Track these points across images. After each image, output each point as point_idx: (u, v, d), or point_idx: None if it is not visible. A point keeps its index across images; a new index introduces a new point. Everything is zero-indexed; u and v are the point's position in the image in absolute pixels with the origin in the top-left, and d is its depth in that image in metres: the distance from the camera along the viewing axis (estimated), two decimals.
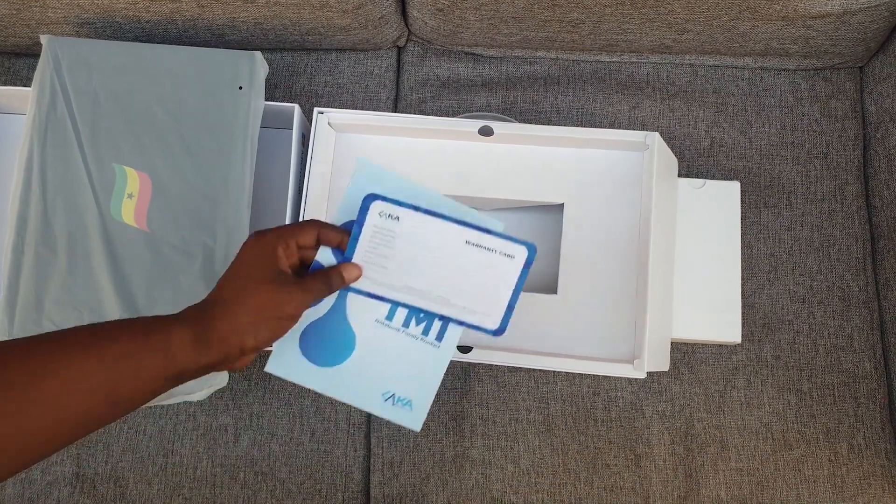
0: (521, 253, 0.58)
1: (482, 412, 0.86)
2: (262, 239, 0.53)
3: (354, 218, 0.58)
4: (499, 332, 0.59)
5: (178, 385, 0.49)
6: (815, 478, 0.83)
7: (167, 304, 0.74)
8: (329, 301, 0.59)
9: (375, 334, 0.59)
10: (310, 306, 0.54)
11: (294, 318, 0.52)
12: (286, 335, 0.53)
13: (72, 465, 0.86)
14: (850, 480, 0.83)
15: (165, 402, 0.79)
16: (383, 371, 0.59)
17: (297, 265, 0.56)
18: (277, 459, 0.86)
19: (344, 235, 0.58)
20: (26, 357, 0.43)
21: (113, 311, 0.74)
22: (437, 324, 0.59)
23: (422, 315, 0.59)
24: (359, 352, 0.59)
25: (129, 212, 0.76)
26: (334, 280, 0.56)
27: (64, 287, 0.74)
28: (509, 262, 0.58)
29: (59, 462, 0.86)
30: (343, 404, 0.87)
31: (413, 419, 0.59)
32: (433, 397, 0.60)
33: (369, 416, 0.88)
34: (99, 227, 0.75)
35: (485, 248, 0.58)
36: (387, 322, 0.59)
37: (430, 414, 0.86)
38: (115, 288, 0.74)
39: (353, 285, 0.58)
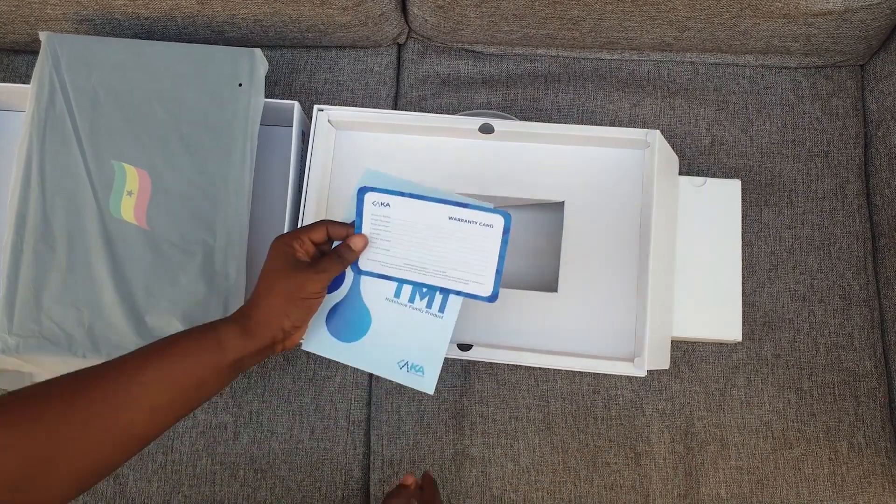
0: (499, 221, 0.64)
1: (482, 410, 0.86)
2: (280, 239, 0.62)
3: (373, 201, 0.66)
4: (492, 298, 0.66)
5: (241, 372, 0.59)
6: (816, 476, 0.83)
7: (167, 301, 0.74)
8: (347, 284, 0.67)
9: (387, 310, 0.67)
10: (328, 281, 0.62)
11: (319, 296, 0.62)
12: (316, 315, 0.64)
13: None
14: (851, 479, 0.83)
15: None
16: (397, 342, 0.67)
17: (314, 255, 0.64)
18: (277, 457, 0.86)
19: (349, 228, 0.66)
20: (110, 371, 0.54)
21: (112, 309, 0.74)
22: (438, 297, 0.66)
23: (424, 290, 0.67)
24: (374, 327, 0.67)
25: (128, 209, 0.76)
26: (345, 253, 0.64)
27: (63, 285, 0.74)
28: (489, 231, 0.64)
29: None
30: (342, 401, 0.87)
31: (426, 383, 0.66)
32: (441, 363, 0.66)
33: (369, 414, 0.88)
34: (98, 225, 0.75)
35: (465, 220, 0.64)
36: (395, 299, 0.67)
37: (430, 412, 0.86)
38: (114, 286, 0.74)
39: (361, 268, 0.67)
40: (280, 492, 0.85)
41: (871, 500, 0.83)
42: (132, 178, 0.76)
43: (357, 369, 0.88)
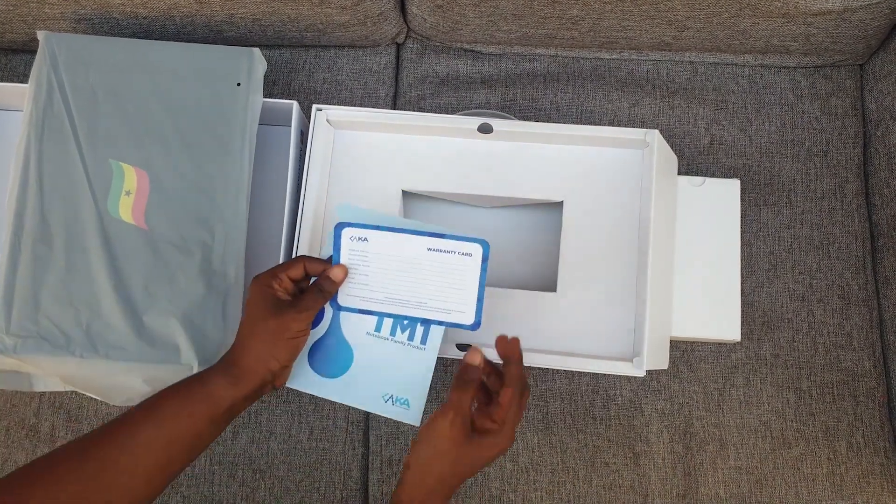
0: (477, 250, 0.63)
1: None
2: (258, 280, 0.62)
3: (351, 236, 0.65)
4: (475, 326, 0.65)
5: (235, 416, 0.60)
6: (814, 476, 0.83)
7: (166, 301, 0.74)
8: (327, 320, 0.67)
9: (369, 345, 0.67)
10: (312, 318, 0.62)
11: (303, 334, 0.61)
12: (302, 352, 0.64)
13: None
14: (849, 479, 0.83)
15: None
16: (380, 376, 0.67)
17: (293, 292, 0.63)
18: (276, 457, 0.86)
19: (326, 264, 0.65)
20: (103, 440, 0.55)
21: (110, 309, 0.73)
22: (419, 328, 0.67)
23: (405, 322, 0.67)
24: (357, 362, 0.67)
25: (126, 209, 0.76)
26: (325, 286, 0.64)
27: (61, 284, 0.74)
28: (468, 260, 0.64)
29: None
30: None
31: (411, 416, 0.67)
32: (426, 394, 0.66)
33: (367, 414, 0.88)
34: (96, 225, 0.75)
35: (444, 251, 0.64)
36: (376, 333, 0.67)
37: (429, 412, 0.86)
38: (112, 286, 0.74)
39: (341, 304, 0.66)
40: (279, 492, 0.85)
41: (870, 499, 0.83)
42: (130, 178, 0.76)
43: None
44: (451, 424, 0.57)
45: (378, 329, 0.67)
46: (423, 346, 0.66)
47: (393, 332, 0.67)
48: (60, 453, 0.54)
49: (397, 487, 0.60)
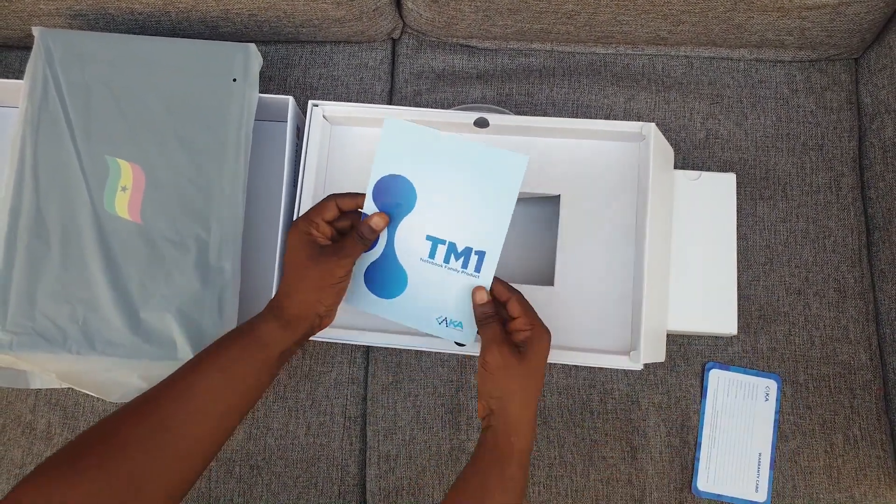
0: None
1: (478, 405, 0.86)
2: (296, 227, 0.64)
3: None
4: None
5: (286, 361, 0.63)
6: (811, 469, 0.83)
7: (161, 297, 0.74)
8: (381, 245, 0.68)
9: (423, 270, 0.68)
10: (353, 264, 0.64)
11: (346, 279, 0.64)
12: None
13: None
14: (846, 471, 0.83)
15: None
16: (434, 300, 0.68)
17: (333, 235, 0.66)
18: (273, 453, 0.85)
19: (358, 198, 0.66)
20: (169, 389, 0.57)
21: (106, 304, 0.73)
22: (473, 257, 0.66)
23: (460, 251, 0.66)
24: (411, 285, 0.68)
25: (122, 205, 0.76)
26: (366, 233, 0.65)
27: (57, 281, 0.74)
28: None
29: None
30: (338, 397, 0.87)
31: (465, 336, 0.68)
32: None
33: (365, 409, 0.88)
34: (92, 221, 0.75)
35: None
36: (430, 260, 0.67)
37: (427, 407, 0.86)
38: (108, 281, 0.74)
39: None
40: (276, 488, 0.85)
41: (867, 492, 0.83)
42: (126, 174, 0.76)
43: (353, 364, 0.87)
44: (500, 354, 0.61)
45: (432, 256, 0.67)
46: (476, 274, 0.66)
47: (447, 260, 0.66)
48: (122, 415, 0.55)
49: (485, 435, 0.62)
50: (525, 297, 0.65)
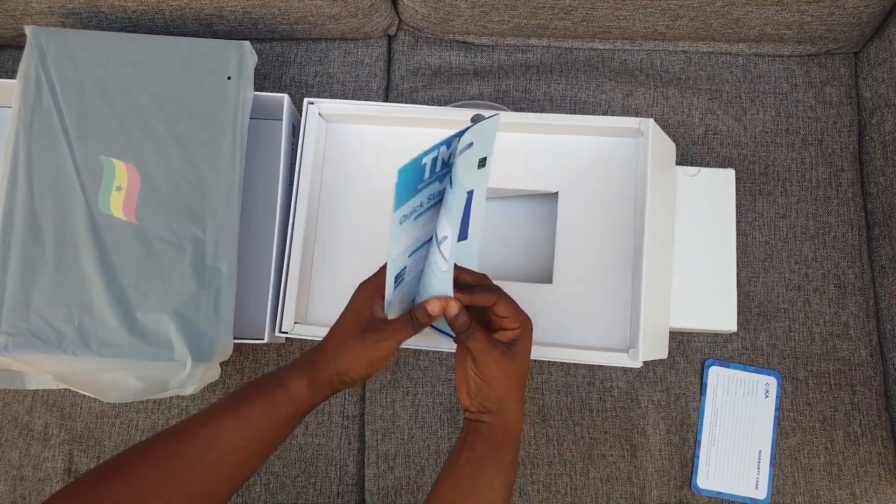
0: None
1: None
2: (364, 289, 0.62)
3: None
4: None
5: (307, 415, 0.61)
6: (812, 466, 0.83)
7: (158, 297, 0.73)
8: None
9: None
10: (399, 345, 0.60)
11: (385, 359, 0.61)
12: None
13: (63, 461, 0.85)
14: (847, 468, 0.83)
15: (157, 397, 0.78)
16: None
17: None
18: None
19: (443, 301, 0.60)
20: (186, 438, 0.56)
21: (102, 305, 0.73)
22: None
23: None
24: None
25: (117, 205, 0.75)
26: (420, 317, 0.60)
27: (52, 282, 0.73)
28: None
29: (50, 458, 0.85)
30: (336, 397, 0.86)
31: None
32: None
33: (363, 409, 0.87)
34: (87, 221, 0.74)
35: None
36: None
37: (425, 406, 0.85)
38: (104, 282, 0.73)
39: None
40: (275, 488, 0.85)
41: (868, 488, 0.83)
42: (121, 174, 0.75)
43: None
44: (495, 363, 0.58)
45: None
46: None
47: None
48: (142, 450, 0.55)
49: (479, 427, 0.60)
50: (505, 290, 0.61)
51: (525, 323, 0.60)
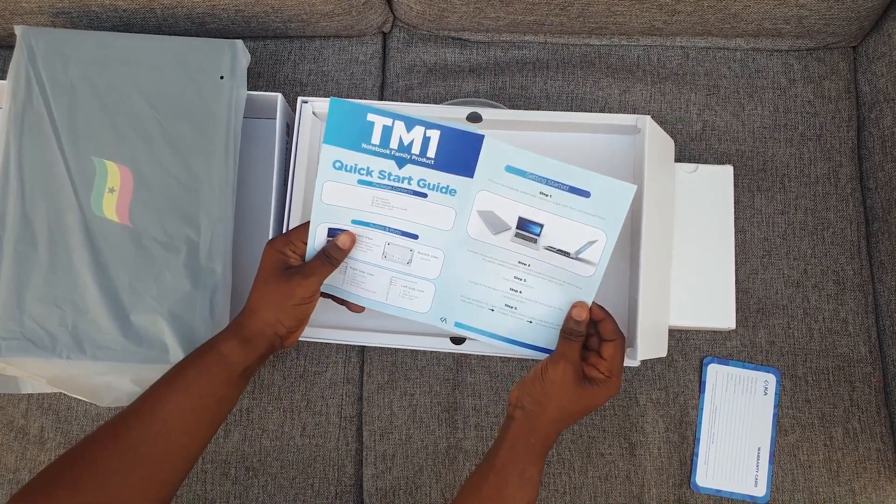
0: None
1: (475, 403, 0.85)
2: (272, 245, 0.64)
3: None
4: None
5: (251, 377, 0.63)
6: (811, 462, 0.83)
7: (152, 299, 0.73)
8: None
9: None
10: (318, 285, 0.63)
11: (310, 300, 0.63)
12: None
13: None
14: (846, 465, 0.83)
15: None
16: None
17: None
18: (268, 455, 0.85)
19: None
20: (132, 415, 0.57)
21: (96, 308, 0.72)
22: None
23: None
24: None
25: (110, 206, 0.74)
26: (333, 252, 0.64)
27: (45, 284, 0.73)
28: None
29: (47, 462, 0.85)
30: (333, 397, 0.86)
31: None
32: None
33: (361, 409, 0.87)
34: (80, 223, 0.74)
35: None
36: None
37: (423, 406, 0.85)
38: (97, 284, 0.73)
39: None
40: (272, 489, 0.84)
41: (867, 485, 0.83)
42: (113, 175, 0.75)
43: (348, 364, 0.87)
44: (564, 372, 0.60)
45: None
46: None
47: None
48: (93, 435, 0.56)
49: (509, 425, 0.62)
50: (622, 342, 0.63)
51: (614, 382, 0.62)
